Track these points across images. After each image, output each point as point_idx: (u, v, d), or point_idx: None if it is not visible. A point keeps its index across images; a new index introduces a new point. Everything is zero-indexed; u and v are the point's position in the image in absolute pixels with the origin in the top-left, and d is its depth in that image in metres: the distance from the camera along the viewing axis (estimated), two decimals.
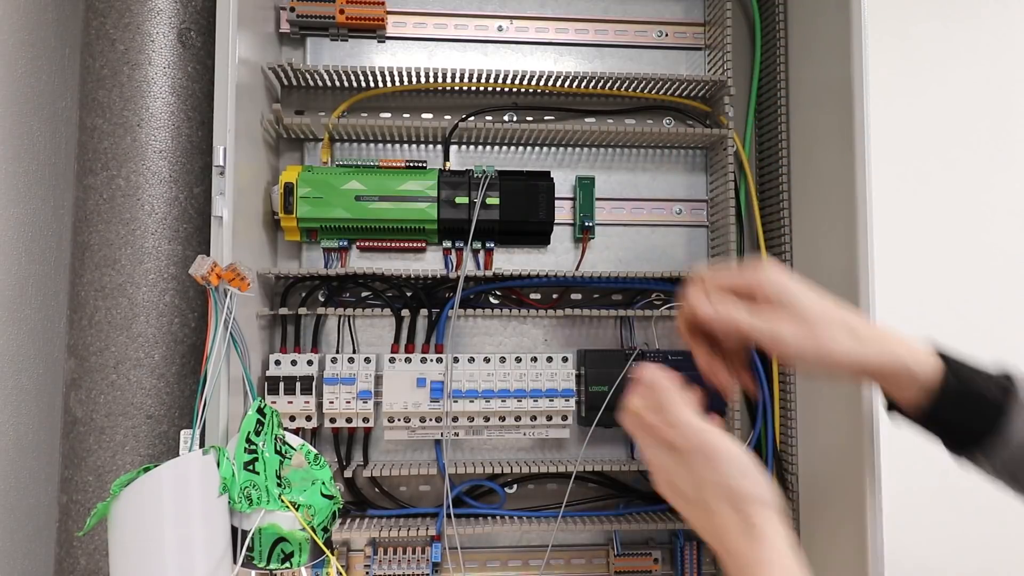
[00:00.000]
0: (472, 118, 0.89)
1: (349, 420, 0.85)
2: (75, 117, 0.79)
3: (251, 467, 0.67)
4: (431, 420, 0.86)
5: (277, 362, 0.84)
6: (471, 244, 0.88)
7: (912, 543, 0.96)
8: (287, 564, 0.68)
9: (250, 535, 0.66)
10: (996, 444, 0.54)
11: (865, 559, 0.69)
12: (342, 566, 0.88)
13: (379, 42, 0.94)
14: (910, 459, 0.86)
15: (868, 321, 0.57)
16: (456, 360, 0.86)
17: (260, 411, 0.71)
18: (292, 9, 0.89)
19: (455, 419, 0.86)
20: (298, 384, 0.83)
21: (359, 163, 0.90)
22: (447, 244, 0.90)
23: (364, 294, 0.91)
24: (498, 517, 0.88)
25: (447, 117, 0.91)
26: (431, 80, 0.88)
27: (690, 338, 0.60)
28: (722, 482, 0.48)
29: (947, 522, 0.97)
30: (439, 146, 0.94)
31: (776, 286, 0.55)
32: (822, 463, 0.81)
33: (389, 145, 0.94)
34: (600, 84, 0.91)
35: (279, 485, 0.69)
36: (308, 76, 0.87)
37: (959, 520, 0.96)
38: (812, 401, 0.84)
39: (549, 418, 0.87)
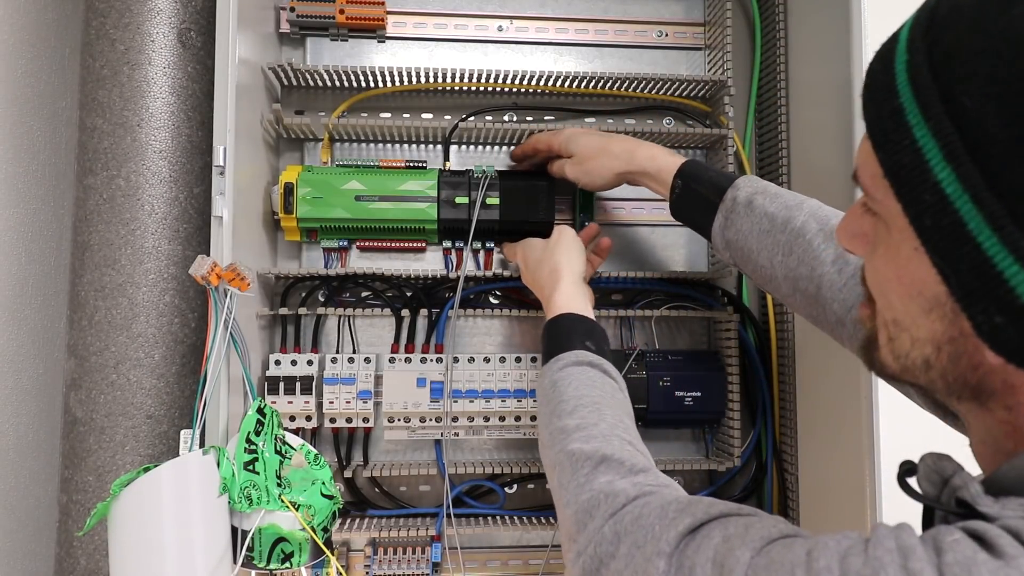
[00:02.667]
0: (472, 118, 0.89)
1: (349, 420, 0.85)
2: (75, 117, 0.79)
3: (251, 467, 0.67)
4: (431, 420, 0.86)
5: (277, 362, 0.84)
6: (471, 244, 0.88)
7: None
8: (287, 564, 0.68)
9: (250, 535, 0.66)
10: (711, 238, 0.72)
11: None
12: (342, 566, 0.88)
13: (379, 42, 0.94)
14: (910, 456, 0.86)
15: (627, 140, 0.79)
16: (456, 360, 0.86)
17: (260, 411, 0.71)
18: (292, 9, 0.89)
19: (455, 419, 0.86)
20: (298, 384, 0.83)
21: (359, 163, 0.90)
22: (447, 244, 0.90)
23: (364, 294, 0.91)
24: (498, 517, 0.88)
25: (447, 117, 0.91)
26: (431, 80, 0.88)
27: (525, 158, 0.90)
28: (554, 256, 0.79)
29: None
30: (439, 146, 0.94)
31: (563, 144, 0.83)
32: (822, 463, 0.81)
33: (389, 145, 0.94)
34: (600, 84, 0.91)
35: (279, 485, 0.69)
36: (308, 76, 0.87)
37: None
38: (812, 401, 0.84)
39: None
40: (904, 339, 0.39)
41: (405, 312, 0.90)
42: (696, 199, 0.72)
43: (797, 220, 0.64)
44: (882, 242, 0.39)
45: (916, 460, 0.42)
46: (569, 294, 0.74)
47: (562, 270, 0.76)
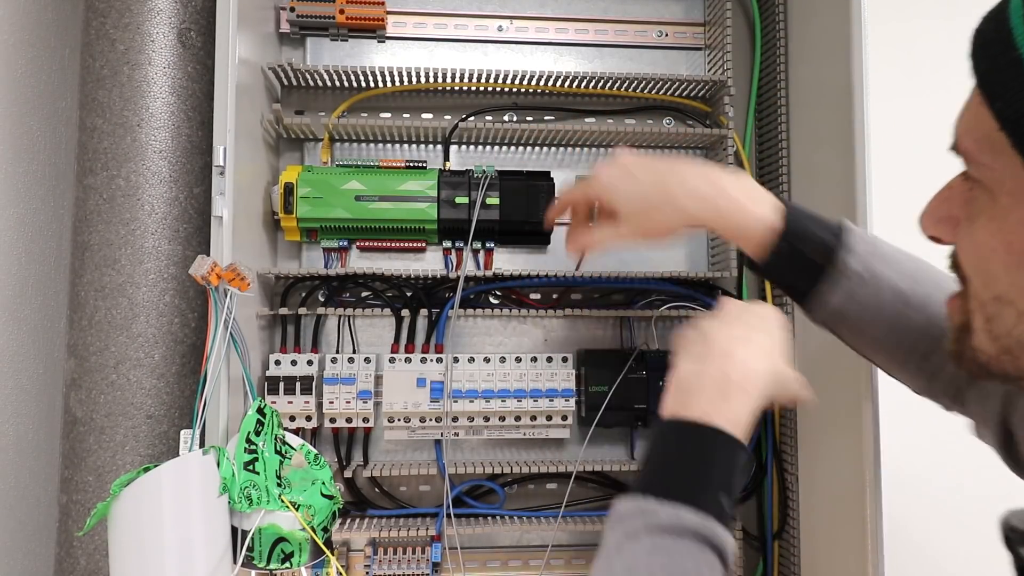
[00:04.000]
0: (472, 118, 0.89)
1: (349, 420, 0.85)
2: (75, 117, 0.79)
3: (251, 467, 0.67)
4: (431, 420, 0.86)
5: (277, 362, 0.84)
6: (471, 244, 0.88)
7: (913, 540, 0.96)
8: (287, 564, 0.68)
9: (250, 535, 0.66)
10: (806, 302, 0.60)
11: (865, 559, 0.69)
12: (342, 566, 0.88)
13: (379, 42, 0.94)
14: (911, 457, 0.86)
15: (696, 176, 0.60)
16: (456, 360, 0.86)
17: (260, 411, 0.71)
18: (292, 9, 0.89)
19: (455, 419, 0.86)
20: (298, 384, 0.83)
21: (359, 163, 0.90)
22: (447, 244, 0.90)
23: (364, 294, 0.91)
24: (498, 517, 0.88)
25: (447, 117, 0.91)
26: (431, 80, 0.88)
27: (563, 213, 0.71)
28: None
29: (947, 516, 0.97)
30: (439, 146, 0.94)
31: (603, 193, 0.63)
32: (822, 463, 0.81)
33: (389, 145, 0.94)
34: (600, 84, 0.91)
35: (279, 485, 0.69)
36: (308, 76, 0.87)
37: (959, 514, 0.96)
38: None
39: (549, 418, 0.87)
40: (1008, 314, 0.38)
41: (405, 312, 0.90)
42: (799, 261, 0.58)
43: (920, 291, 0.57)
44: (983, 213, 0.39)
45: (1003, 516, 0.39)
46: (752, 411, 0.49)
47: (762, 377, 0.51)
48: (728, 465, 0.46)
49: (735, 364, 0.49)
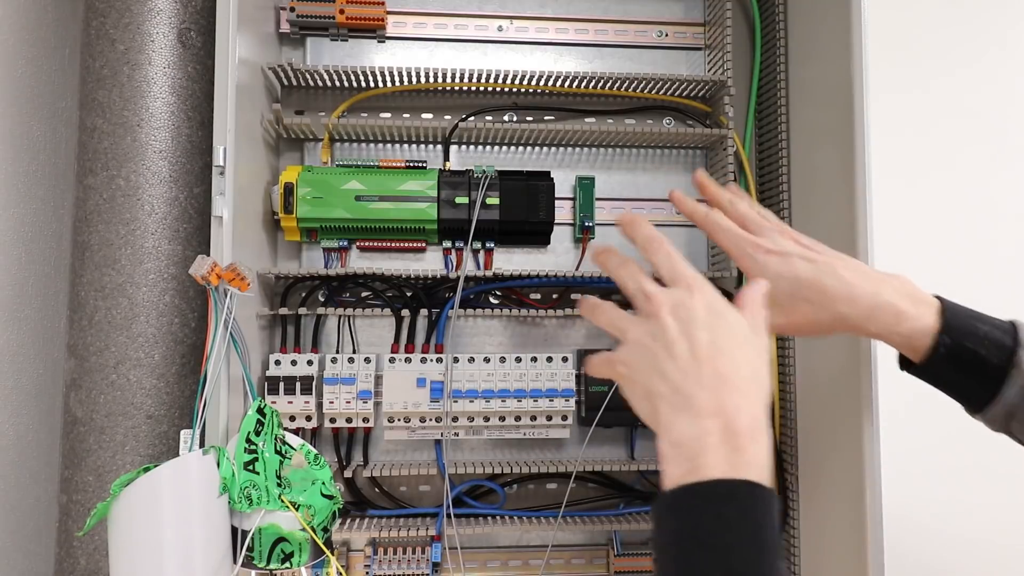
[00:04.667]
0: (472, 118, 0.89)
1: (349, 420, 0.85)
2: (75, 117, 0.79)
3: (251, 467, 0.67)
4: (431, 420, 0.86)
5: (277, 362, 0.84)
6: (471, 244, 0.88)
7: (914, 540, 0.96)
8: (287, 564, 0.68)
9: (250, 535, 0.66)
10: (980, 408, 0.56)
11: (866, 559, 0.69)
12: (342, 566, 0.88)
13: (379, 42, 0.94)
14: (912, 457, 0.86)
15: (848, 269, 0.58)
16: (456, 360, 0.86)
17: (260, 411, 0.71)
18: (292, 9, 0.89)
19: (455, 419, 0.86)
20: (298, 384, 0.83)
21: (359, 163, 0.90)
22: (447, 244, 0.90)
23: (364, 294, 0.91)
24: (498, 517, 0.88)
25: (447, 117, 0.91)
26: (431, 80, 0.88)
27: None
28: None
29: (948, 517, 0.97)
30: (439, 146, 0.94)
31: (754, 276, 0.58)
32: (822, 463, 0.81)
33: (389, 145, 0.94)
34: (600, 84, 0.91)
35: (279, 485, 0.69)
36: (308, 76, 0.87)
37: (961, 515, 0.96)
38: (812, 401, 0.84)
39: (549, 418, 0.87)
40: None
41: (405, 312, 0.90)
42: (971, 362, 0.55)
43: None
44: None
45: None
46: (768, 454, 0.42)
47: (766, 416, 0.44)
48: (774, 524, 0.39)
49: (734, 417, 0.41)
